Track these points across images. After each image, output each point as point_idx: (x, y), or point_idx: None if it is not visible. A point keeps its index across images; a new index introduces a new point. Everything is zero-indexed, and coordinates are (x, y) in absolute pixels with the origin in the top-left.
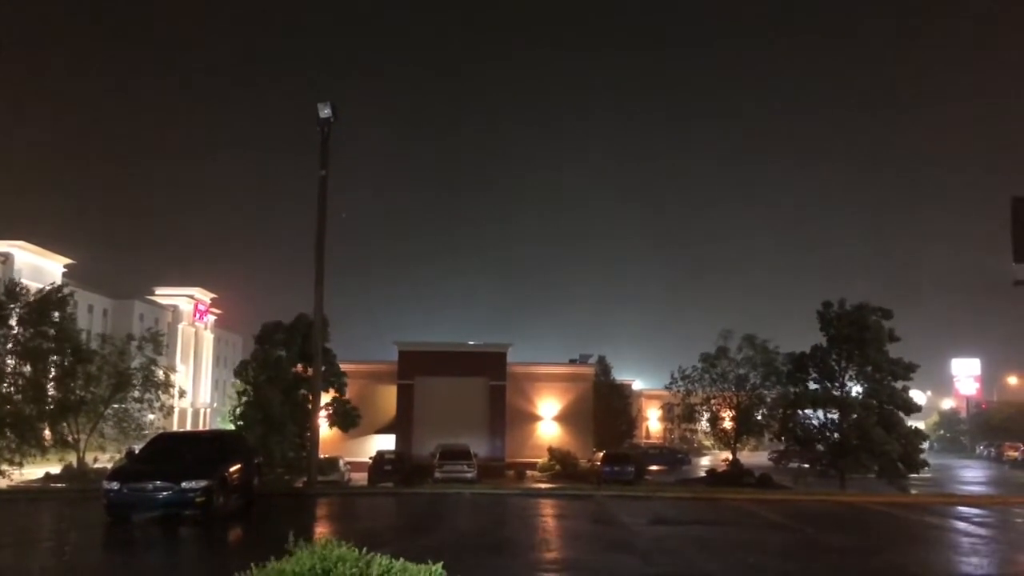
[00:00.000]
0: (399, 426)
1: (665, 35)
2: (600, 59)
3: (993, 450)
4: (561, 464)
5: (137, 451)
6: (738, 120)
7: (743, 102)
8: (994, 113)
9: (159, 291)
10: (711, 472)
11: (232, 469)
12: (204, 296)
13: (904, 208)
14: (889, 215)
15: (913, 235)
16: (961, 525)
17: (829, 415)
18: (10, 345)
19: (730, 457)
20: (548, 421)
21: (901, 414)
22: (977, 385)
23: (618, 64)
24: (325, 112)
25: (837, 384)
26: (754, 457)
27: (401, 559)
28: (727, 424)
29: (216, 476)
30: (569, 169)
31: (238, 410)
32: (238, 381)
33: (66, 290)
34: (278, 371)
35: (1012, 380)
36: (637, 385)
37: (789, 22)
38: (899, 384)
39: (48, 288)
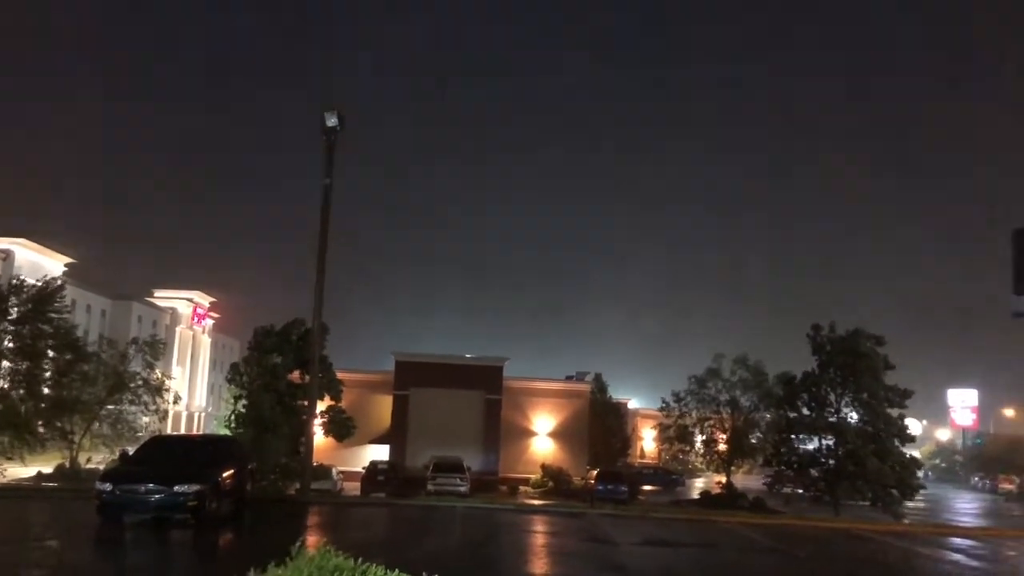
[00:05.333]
0: (393, 437)
1: (668, 56)
2: (607, 74)
3: (988, 482)
4: (554, 481)
5: (131, 453)
6: (739, 146)
7: (745, 128)
8: (998, 144)
9: (158, 293)
10: (705, 494)
11: (225, 474)
12: (203, 299)
13: (905, 239)
14: (890, 245)
15: (915, 265)
16: (953, 556)
17: (824, 440)
18: (8, 343)
19: (724, 479)
20: (543, 437)
21: (896, 442)
22: (974, 416)
23: (621, 84)
24: (332, 121)
25: (831, 410)
26: (748, 480)
27: (396, 570)
28: (721, 446)
29: (209, 480)
30: (572, 190)
31: (232, 415)
32: (232, 386)
33: (61, 288)
34: (273, 377)
35: (1008, 412)
36: (633, 404)
37: (761, 43)
38: (894, 411)
39: (44, 281)
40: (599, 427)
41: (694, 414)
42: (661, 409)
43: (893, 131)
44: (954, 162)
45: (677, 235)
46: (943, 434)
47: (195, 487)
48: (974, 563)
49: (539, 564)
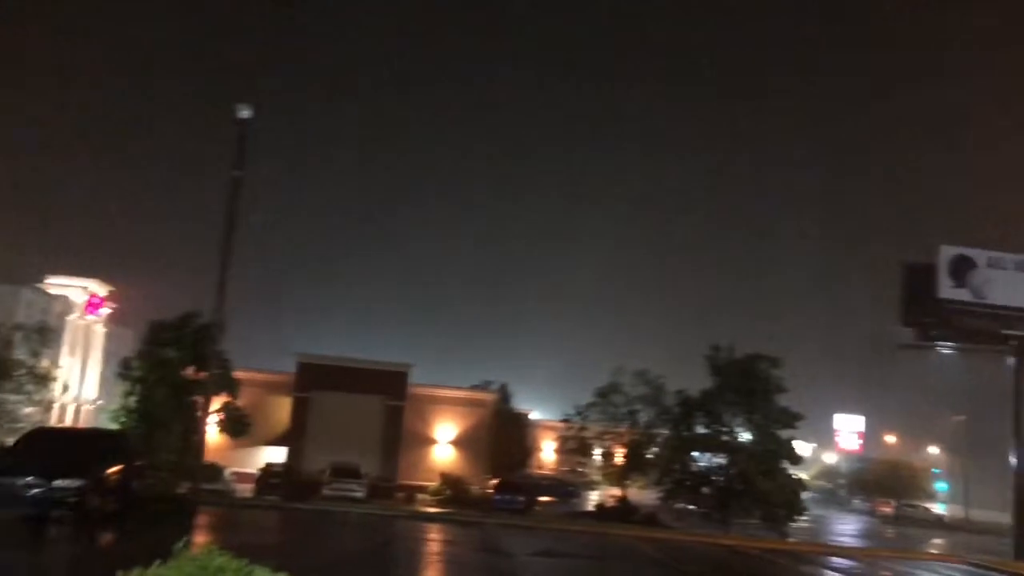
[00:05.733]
0: (291, 439)
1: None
2: (540, 84)
3: (867, 504)
4: (453, 489)
5: (10, 445)
6: (633, 165)
7: (640, 147)
8: (889, 176)
9: (52, 280)
10: (600, 507)
11: (111, 470)
12: (100, 288)
13: (804, 268)
14: (787, 271)
15: (811, 292)
16: (832, 575)
17: (716, 459)
18: None
19: (619, 493)
20: (444, 445)
21: (785, 463)
22: (860, 441)
23: (552, 95)
24: (244, 113)
25: (725, 429)
26: (643, 495)
27: (284, 573)
28: (618, 460)
29: (92, 476)
30: (479, 204)
31: (123, 409)
32: (124, 380)
33: None
34: (167, 371)
35: (890, 438)
36: (535, 415)
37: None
38: (785, 433)
39: None
40: (501, 437)
41: (594, 427)
42: (563, 420)
43: (797, 160)
44: (852, 196)
45: (588, 251)
46: (829, 457)
47: (77, 483)
48: None
49: (430, 573)
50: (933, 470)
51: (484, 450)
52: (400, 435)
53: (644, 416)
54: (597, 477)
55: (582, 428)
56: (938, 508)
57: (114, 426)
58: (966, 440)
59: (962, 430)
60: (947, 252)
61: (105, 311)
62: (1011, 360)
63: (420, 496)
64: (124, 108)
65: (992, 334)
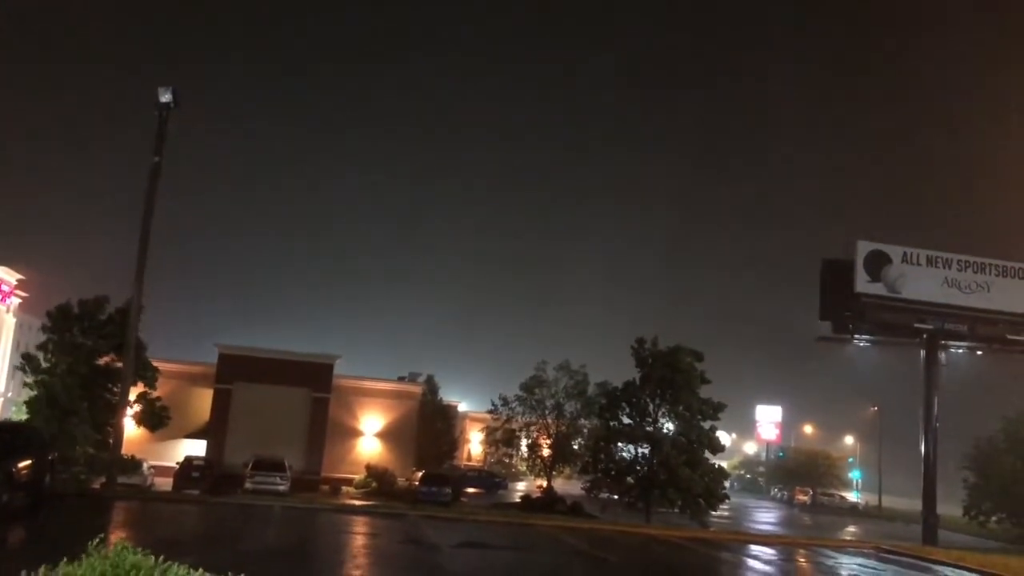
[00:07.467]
0: (212, 432)
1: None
2: (421, 79)
3: (786, 493)
4: (378, 482)
5: None
6: (568, 161)
7: (576, 145)
8: (813, 173)
9: None
10: (525, 498)
11: (20, 464)
12: (9, 276)
13: (725, 264)
14: (712, 267)
15: (731, 287)
16: (750, 562)
17: (640, 449)
18: None
19: (545, 484)
20: (370, 437)
21: (707, 453)
22: (777, 431)
23: (437, 86)
24: (165, 97)
25: (649, 420)
26: (568, 485)
27: (200, 570)
28: (545, 451)
29: (1, 471)
30: (403, 194)
31: (28, 401)
32: (28, 372)
33: None
34: (77, 359)
35: (808, 429)
36: (462, 407)
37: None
38: (707, 424)
39: None
40: (428, 428)
41: (521, 418)
42: (490, 412)
43: (721, 151)
44: (772, 190)
45: (511, 241)
46: (750, 447)
47: None
48: (768, 568)
49: (352, 566)
50: (848, 459)
51: (410, 442)
52: (325, 427)
53: (570, 407)
54: (523, 468)
55: (508, 420)
56: (853, 496)
57: (24, 419)
58: (879, 430)
59: (876, 420)
60: (863, 248)
61: (15, 300)
62: (923, 353)
63: (345, 489)
64: (37, 88)
65: (905, 327)
